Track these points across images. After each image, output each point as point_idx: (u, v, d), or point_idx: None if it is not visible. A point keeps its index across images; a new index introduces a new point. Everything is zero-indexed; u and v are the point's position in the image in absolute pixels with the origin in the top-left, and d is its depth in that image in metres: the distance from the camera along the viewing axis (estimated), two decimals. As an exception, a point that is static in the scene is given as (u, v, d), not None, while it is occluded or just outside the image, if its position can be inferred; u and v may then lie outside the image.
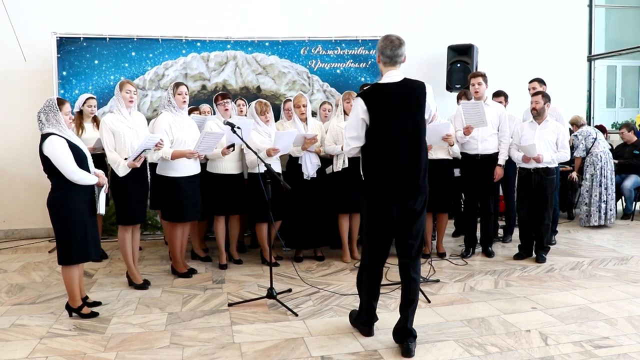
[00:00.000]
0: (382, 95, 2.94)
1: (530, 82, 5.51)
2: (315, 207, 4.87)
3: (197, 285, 4.31)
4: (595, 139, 6.36)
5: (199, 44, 6.03)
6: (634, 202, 6.88)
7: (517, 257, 4.98)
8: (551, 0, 7.54)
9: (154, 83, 5.95)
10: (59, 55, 5.72)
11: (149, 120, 4.70)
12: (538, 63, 7.12)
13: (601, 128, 7.30)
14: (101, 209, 3.53)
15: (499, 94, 5.55)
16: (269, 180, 3.78)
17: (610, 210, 6.35)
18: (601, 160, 6.30)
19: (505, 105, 5.40)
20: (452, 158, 5.02)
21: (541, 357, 2.94)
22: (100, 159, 4.75)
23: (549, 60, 7.31)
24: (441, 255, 5.09)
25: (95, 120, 5.10)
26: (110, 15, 6.16)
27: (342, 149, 4.67)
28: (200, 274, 4.60)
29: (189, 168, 4.33)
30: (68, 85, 5.75)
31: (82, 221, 3.41)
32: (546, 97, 4.82)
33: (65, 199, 3.37)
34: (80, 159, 3.40)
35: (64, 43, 5.73)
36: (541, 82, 5.43)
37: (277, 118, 5.05)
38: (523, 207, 4.95)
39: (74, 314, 3.59)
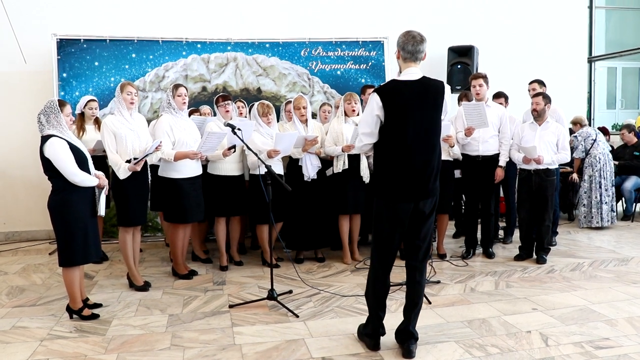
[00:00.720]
0: (399, 92, 2.83)
1: (530, 83, 5.52)
2: (315, 208, 4.87)
3: (198, 286, 4.31)
4: (595, 140, 6.35)
5: (199, 45, 6.03)
6: (634, 204, 6.88)
7: (517, 258, 4.98)
8: (551, 1, 7.56)
9: (154, 85, 5.95)
10: (59, 57, 5.72)
11: (149, 121, 4.70)
12: (538, 64, 7.13)
13: (603, 130, 7.29)
14: (102, 210, 3.53)
15: (499, 95, 5.55)
16: (269, 182, 3.78)
17: (612, 211, 6.35)
18: (600, 162, 6.29)
19: (505, 107, 5.40)
20: (452, 159, 5.03)
21: (542, 358, 2.94)
22: (101, 161, 4.75)
23: (549, 61, 7.33)
24: (442, 257, 5.09)
25: (97, 122, 5.09)
26: (111, 17, 6.16)
27: (342, 150, 4.68)
28: (200, 275, 4.60)
29: (190, 169, 4.33)
30: (68, 87, 5.75)
31: (83, 223, 3.41)
32: (547, 99, 4.82)
33: (66, 200, 3.36)
34: (81, 160, 3.40)
35: (64, 45, 5.73)
36: (541, 83, 5.44)
37: (277, 119, 5.05)
38: (523, 208, 4.95)
39: (74, 316, 3.59)
